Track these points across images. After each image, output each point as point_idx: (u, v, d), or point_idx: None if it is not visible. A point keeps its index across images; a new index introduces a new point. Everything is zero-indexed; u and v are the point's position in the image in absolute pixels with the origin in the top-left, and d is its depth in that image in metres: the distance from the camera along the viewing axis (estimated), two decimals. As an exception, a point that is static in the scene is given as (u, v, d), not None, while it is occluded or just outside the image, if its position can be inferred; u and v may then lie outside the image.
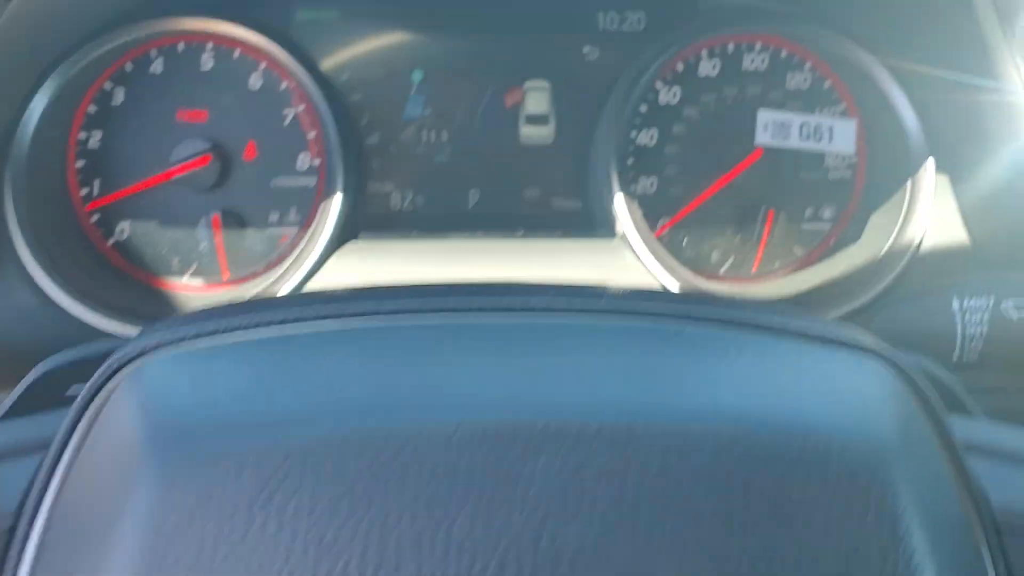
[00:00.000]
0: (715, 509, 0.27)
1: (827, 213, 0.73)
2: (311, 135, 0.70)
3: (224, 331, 0.34)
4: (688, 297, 0.38)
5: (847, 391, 0.33)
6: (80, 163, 0.70)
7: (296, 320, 0.34)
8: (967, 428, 0.38)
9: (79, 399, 0.36)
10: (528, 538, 0.26)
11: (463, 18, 0.74)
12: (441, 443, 0.27)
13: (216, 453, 0.30)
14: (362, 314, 0.33)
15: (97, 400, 0.36)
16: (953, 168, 0.66)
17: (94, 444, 0.35)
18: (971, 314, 0.46)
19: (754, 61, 0.72)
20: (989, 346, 0.46)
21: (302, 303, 0.35)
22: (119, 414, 0.35)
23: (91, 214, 0.70)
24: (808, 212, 0.74)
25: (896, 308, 0.52)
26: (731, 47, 0.72)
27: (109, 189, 0.70)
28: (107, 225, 0.71)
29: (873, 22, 0.64)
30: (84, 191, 0.70)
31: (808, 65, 0.71)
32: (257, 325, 0.34)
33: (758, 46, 0.71)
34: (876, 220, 0.71)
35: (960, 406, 0.40)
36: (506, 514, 0.26)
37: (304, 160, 0.71)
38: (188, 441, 0.32)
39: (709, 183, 0.72)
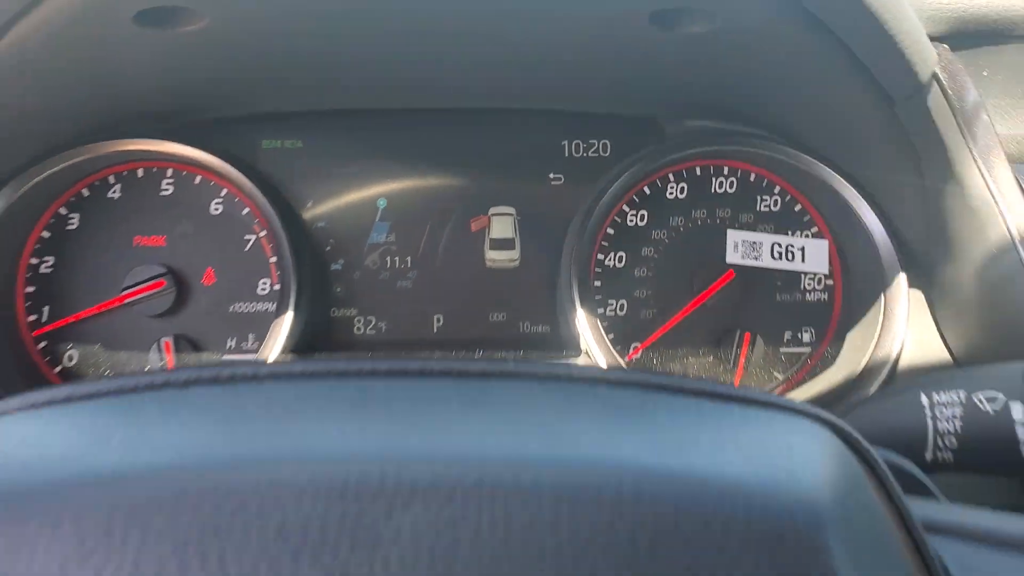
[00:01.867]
0: (615, 570, 0.22)
1: (806, 336, 0.71)
2: (272, 260, 0.69)
3: (62, 400, 0.31)
4: (618, 370, 0.34)
5: (778, 449, 0.29)
6: (29, 288, 0.68)
7: (138, 388, 0.31)
8: (925, 507, 0.34)
9: None
10: None
11: (427, 150, 0.74)
12: (291, 498, 0.22)
13: (33, 509, 0.26)
14: (206, 381, 0.30)
15: None
16: (926, 278, 0.64)
17: None
18: (941, 408, 0.43)
19: (723, 184, 0.72)
20: (964, 443, 0.43)
21: (155, 375, 0.32)
22: None
23: (38, 340, 0.67)
24: (787, 336, 0.72)
25: (865, 407, 0.48)
26: (698, 170, 0.71)
27: (58, 315, 0.69)
28: (54, 352, 0.68)
29: (835, 137, 0.64)
30: (32, 317, 0.68)
31: (777, 188, 0.71)
32: (97, 394, 0.31)
33: (726, 170, 0.71)
34: (853, 338, 0.69)
35: (922, 490, 0.36)
36: None
37: (265, 285, 0.69)
38: (4, 497, 0.28)
39: (682, 305, 0.70)
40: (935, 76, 0.52)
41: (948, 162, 0.56)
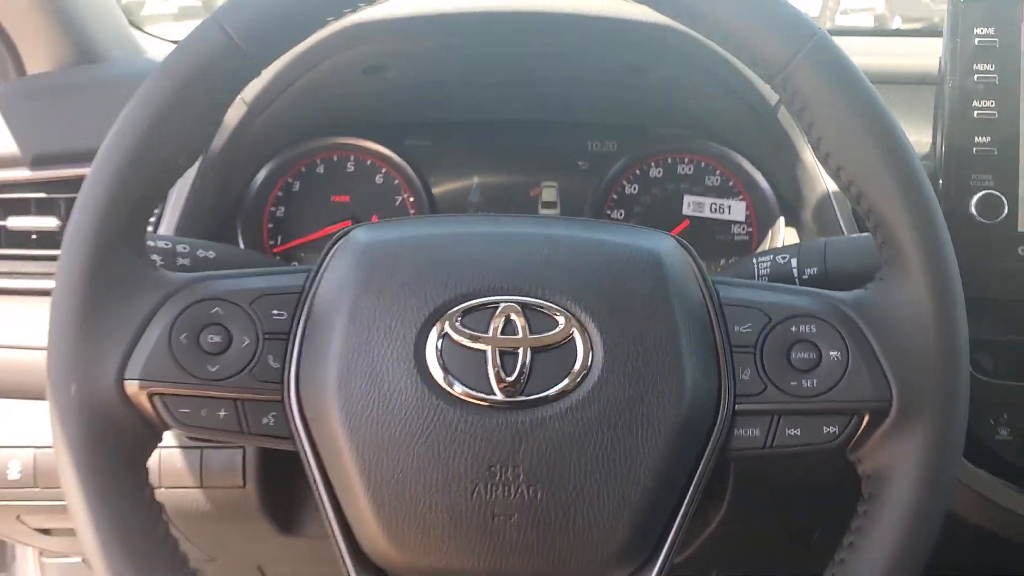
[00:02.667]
0: None
1: (732, 260, 1.13)
2: (412, 212, 1.13)
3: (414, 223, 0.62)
4: None
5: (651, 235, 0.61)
6: (270, 226, 1.06)
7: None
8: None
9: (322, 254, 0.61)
10: None
11: (505, 151, 1.07)
12: None
13: (399, 265, 0.56)
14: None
15: (329, 252, 0.60)
16: (795, 221, 1.06)
17: (329, 269, 0.59)
18: (762, 263, 0.82)
19: (683, 168, 1.06)
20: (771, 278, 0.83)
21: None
22: (339, 255, 0.59)
23: (276, 255, 1.12)
24: (721, 261, 1.14)
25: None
26: (670, 160, 1.06)
27: (286, 241, 1.07)
28: (286, 260, 1.08)
29: (745, 135, 1.06)
30: (271, 242, 1.12)
31: (717, 171, 1.12)
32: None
33: (686, 158, 1.05)
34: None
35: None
36: None
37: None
38: (379, 255, 0.57)
39: None
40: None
41: (798, 149, 0.98)
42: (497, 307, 0.56)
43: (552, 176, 1.08)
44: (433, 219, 0.66)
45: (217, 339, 0.57)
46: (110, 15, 1.10)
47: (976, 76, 0.88)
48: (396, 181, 1.07)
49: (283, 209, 1.06)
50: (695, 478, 0.57)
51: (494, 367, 0.55)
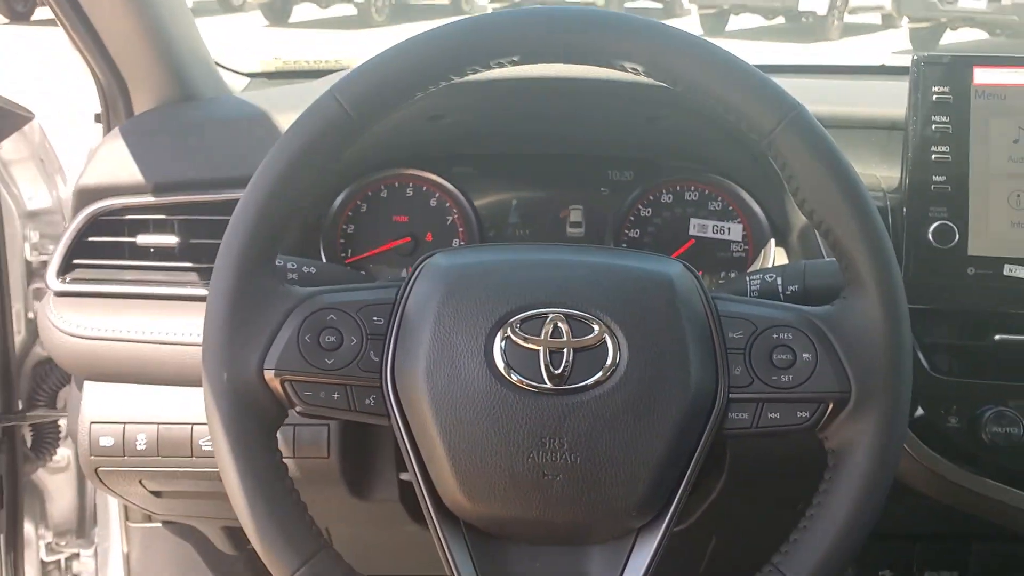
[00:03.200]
0: None
1: (733, 274, 1.32)
2: (461, 229, 1.26)
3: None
4: None
5: (659, 260, 0.83)
6: (341, 240, 1.22)
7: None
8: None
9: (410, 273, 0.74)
10: None
11: (539, 179, 1.21)
12: None
13: (471, 284, 0.72)
14: None
15: (416, 272, 0.73)
16: (784, 242, 1.20)
17: (417, 285, 0.72)
18: (753, 281, 1.01)
19: (690, 195, 1.19)
20: (761, 295, 1.01)
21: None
22: (424, 274, 0.72)
23: (347, 266, 1.31)
24: (721, 274, 1.24)
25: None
26: (679, 188, 1.18)
27: (356, 254, 1.19)
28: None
29: (741, 167, 1.19)
30: (342, 254, 1.29)
31: (719, 196, 1.29)
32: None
33: (693, 187, 1.17)
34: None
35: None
36: None
37: (456, 242, 1.27)
38: (456, 277, 0.71)
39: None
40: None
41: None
42: (547, 317, 0.70)
43: (578, 200, 1.22)
44: (495, 248, 0.83)
45: (332, 339, 0.72)
46: (203, 54, 1.29)
47: (934, 126, 1.07)
48: (447, 203, 1.24)
49: (353, 227, 1.20)
50: (697, 450, 0.70)
51: (544, 362, 0.70)
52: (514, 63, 0.72)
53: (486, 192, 1.23)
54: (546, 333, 0.70)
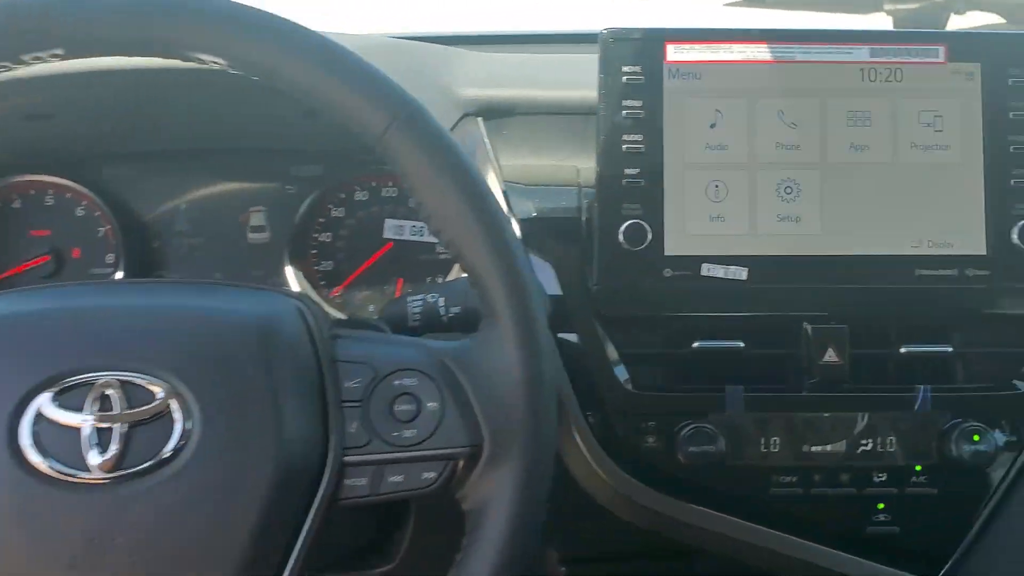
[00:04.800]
0: None
1: (439, 279, 1.18)
2: (113, 242, 1.11)
3: None
4: None
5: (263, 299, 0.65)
6: None
7: None
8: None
9: None
10: None
11: (212, 178, 1.09)
12: None
13: None
14: None
15: None
16: None
17: None
18: (414, 302, 0.89)
19: (387, 192, 1.09)
20: (423, 320, 0.88)
21: None
22: None
23: None
24: (428, 279, 1.19)
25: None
26: (374, 183, 1.08)
27: None
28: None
29: None
30: (-30, 276, 1.11)
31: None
32: None
33: (390, 183, 1.10)
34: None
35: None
36: None
37: (110, 258, 1.11)
38: None
39: (361, 264, 1.12)
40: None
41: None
42: (93, 383, 0.58)
43: (260, 201, 1.11)
44: (31, 292, 0.67)
45: None
46: None
47: (625, 112, 0.96)
48: (96, 213, 1.07)
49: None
50: (304, 528, 0.60)
51: (88, 445, 0.58)
52: (59, 57, 0.61)
53: (149, 197, 1.10)
54: (92, 405, 0.58)
